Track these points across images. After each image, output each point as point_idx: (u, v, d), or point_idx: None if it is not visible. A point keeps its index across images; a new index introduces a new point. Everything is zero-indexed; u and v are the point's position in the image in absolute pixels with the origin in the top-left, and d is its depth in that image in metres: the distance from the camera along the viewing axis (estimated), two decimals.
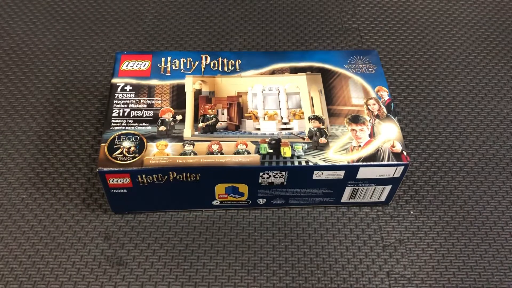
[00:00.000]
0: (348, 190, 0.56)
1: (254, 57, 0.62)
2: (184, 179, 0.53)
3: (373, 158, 0.53)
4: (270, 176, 0.53)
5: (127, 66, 0.60)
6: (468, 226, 0.59)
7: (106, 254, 0.56)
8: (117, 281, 0.54)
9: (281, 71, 0.61)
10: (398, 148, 0.54)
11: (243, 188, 0.55)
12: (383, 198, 0.59)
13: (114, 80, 0.59)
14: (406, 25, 0.81)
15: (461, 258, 0.57)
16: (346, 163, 0.53)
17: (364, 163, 0.53)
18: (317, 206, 0.60)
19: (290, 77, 0.60)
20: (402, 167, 0.53)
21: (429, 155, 0.65)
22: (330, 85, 0.59)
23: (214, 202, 0.58)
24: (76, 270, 0.54)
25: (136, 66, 0.60)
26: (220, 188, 0.55)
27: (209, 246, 0.57)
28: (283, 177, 0.54)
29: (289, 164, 0.52)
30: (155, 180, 0.53)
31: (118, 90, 0.58)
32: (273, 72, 0.60)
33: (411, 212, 0.60)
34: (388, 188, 0.57)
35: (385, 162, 0.53)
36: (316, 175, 0.54)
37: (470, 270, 0.56)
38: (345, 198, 0.58)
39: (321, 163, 0.52)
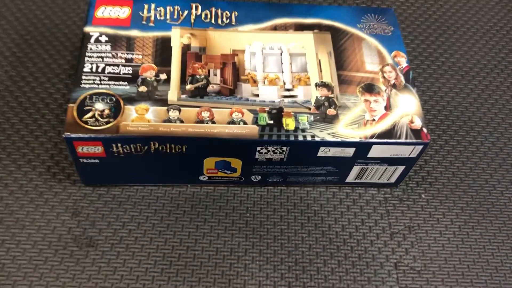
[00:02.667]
0: (355, 169, 0.49)
1: (253, 9, 0.53)
2: (168, 151, 0.45)
3: (389, 134, 0.46)
4: (268, 151, 0.46)
5: (103, 12, 0.51)
6: (485, 214, 0.53)
7: (74, 233, 0.48)
8: (86, 265, 0.46)
9: (285, 28, 0.52)
10: (418, 124, 0.47)
11: (236, 163, 0.48)
12: (393, 180, 0.52)
13: (87, 29, 0.49)
14: None
15: (476, 250, 0.51)
16: (357, 140, 0.45)
17: (379, 140, 0.45)
18: (317, 185, 0.52)
19: (294, 35, 0.51)
20: (421, 147, 0.46)
21: (443, 132, 0.58)
22: (340, 47, 0.51)
23: (201, 177, 0.50)
24: (38, 251, 0.46)
25: (114, 13, 0.51)
26: (209, 162, 0.47)
27: (194, 228, 0.49)
28: (284, 152, 0.46)
29: (292, 138, 0.45)
30: (133, 150, 0.44)
31: (92, 40, 0.49)
32: (275, 28, 0.52)
33: (423, 196, 0.53)
34: (400, 168, 0.50)
35: (402, 140, 0.46)
36: (322, 151, 0.46)
37: (486, 263, 0.50)
38: (350, 178, 0.51)
39: (329, 138, 0.45)
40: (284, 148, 0.45)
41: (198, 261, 0.47)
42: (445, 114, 0.60)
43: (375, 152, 0.47)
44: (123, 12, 0.51)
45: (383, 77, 0.49)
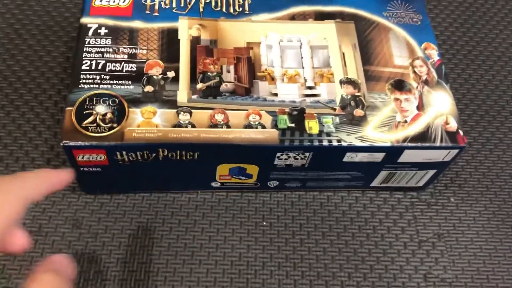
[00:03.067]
0: (382, 174, 0.45)
1: None
2: (178, 158, 0.40)
3: (423, 137, 0.41)
4: (289, 157, 0.41)
5: (101, 1, 0.45)
6: None
7: (75, 248, 0.44)
8: (91, 283, 0.42)
9: (303, 17, 0.47)
10: (453, 125, 0.42)
11: (252, 169, 0.43)
12: (421, 184, 0.47)
13: (84, 20, 0.44)
14: None
15: (510, 258, 0.47)
16: (389, 144, 0.41)
17: (412, 145, 0.41)
18: (339, 190, 0.48)
19: (315, 24, 0.46)
20: (457, 151, 0.42)
21: (471, 128, 0.54)
22: (366, 38, 0.46)
23: (213, 184, 0.45)
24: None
25: (114, 2, 0.45)
26: (223, 169, 0.43)
27: (207, 239, 0.45)
28: (306, 158, 0.42)
29: (315, 143, 0.40)
30: (139, 158, 0.40)
31: (90, 33, 0.43)
32: (292, 18, 0.47)
33: (452, 200, 0.49)
34: (431, 172, 0.45)
35: (437, 144, 0.41)
36: (348, 157, 0.42)
37: None
38: (376, 182, 0.47)
39: (357, 143, 0.40)
40: (307, 154, 0.41)
41: (211, 276, 0.43)
42: (473, 108, 0.55)
43: (407, 157, 0.42)
44: (124, 0, 0.46)
45: (414, 72, 0.45)
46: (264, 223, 0.46)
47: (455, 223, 0.48)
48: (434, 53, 0.46)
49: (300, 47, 0.45)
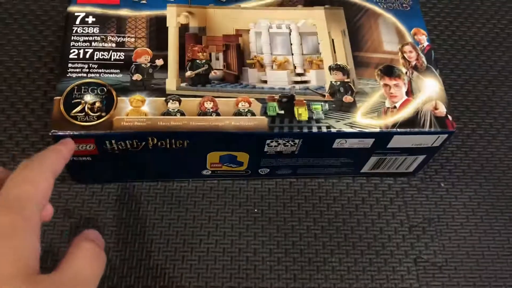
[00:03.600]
0: (372, 160, 0.45)
1: None
2: (167, 146, 0.40)
3: (412, 123, 0.41)
4: (279, 144, 0.41)
5: None
6: (508, 203, 0.49)
7: (67, 237, 0.44)
8: None
9: (292, 3, 0.47)
10: (442, 110, 0.42)
11: (242, 157, 0.43)
12: (411, 169, 0.48)
13: (71, 8, 0.44)
14: None
15: (499, 242, 0.47)
16: (378, 130, 0.41)
17: (401, 130, 0.41)
18: (330, 176, 0.48)
19: (304, 11, 0.46)
20: (446, 136, 0.42)
21: (461, 114, 0.54)
22: (355, 25, 0.46)
23: (204, 172, 0.45)
24: None
25: None
26: (213, 157, 0.43)
27: (199, 226, 0.45)
28: (296, 145, 0.42)
29: (305, 130, 0.40)
30: (128, 147, 0.40)
31: (77, 22, 0.43)
32: (281, 4, 0.46)
33: (442, 185, 0.50)
34: (421, 158, 0.46)
35: (426, 129, 0.41)
36: (338, 143, 0.42)
37: (511, 256, 0.47)
38: (366, 168, 0.47)
39: (347, 129, 0.40)
40: (297, 141, 0.41)
41: (203, 263, 0.44)
42: (463, 94, 0.55)
43: (396, 142, 0.42)
44: None
45: (403, 57, 0.45)
46: (256, 210, 0.47)
47: (445, 208, 0.49)
48: (423, 39, 0.46)
49: (290, 34, 0.45)
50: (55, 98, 0.39)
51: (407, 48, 0.45)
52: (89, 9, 0.44)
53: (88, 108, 0.39)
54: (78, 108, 0.39)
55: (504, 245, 0.47)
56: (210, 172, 0.46)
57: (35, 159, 0.31)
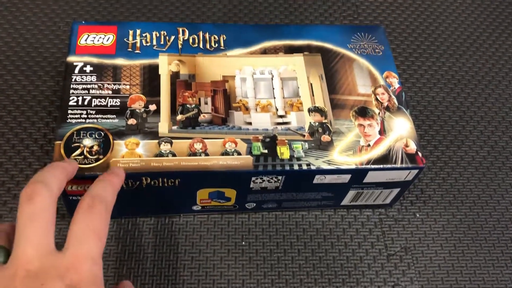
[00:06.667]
0: (351, 193, 0.49)
1: (241, 31, 0.52)
2: (160, 185, 0.44)
3: (385, 160, 0.45)
4: (263, 181, 0.45)
5: (86, 40, 0.49)
6: (479, 231, 0.53)
7: None
8: None
9: (274, 50, 0.51)
10: (413, 147, 0.46)
11: (230, 193, 0.47)
12: (388, 201, 0.51)
13: (70, 59, 0.48)
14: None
15: (472, 268, 0.51)
16: (353, 167, 0.44)
17: (374, 166, 0.45)
18: (313, 209, 0.52)
19: (285, 58, 0.50)
20: (416, 171, 0.46)
21: (434, 148, 0.58)
22: (332, 69, 0.50)
23: (194, 207, 0.49)
24: None
25: (98, 41, 0.49)
26: (202, 193, 0.46)
27: (189, 259, 0.48)
28: (279, 181, 0.45)
29: (287, 167, 0.44)
30: (124, 186, 0.43)
31: (76, 71, 0.47)
32: (264, 52, 0.51)
33: (417, 215, 0.53)
34: (396, 191, 0.49)
35: (398, 165, 0.45)
36: (318, 179, 0.45)
37: (482, 282, 0.50)
38: (346, 201, 0.50)
39: (325, 166, 0.44)
40: (280, 177, 0.45)
41: None
42: (436, 129, 0.59)
43: (371, 177, 0.46)
44: (108, 39, 0.49)
45: (376, 99, 0.49)
46: (243, 242, 0.50)
47: (420, 237, 0.52)
48: (395, 81, 0.50)
49: (272, 79, 0.49)
50: (55, 142, 0.43)
51: (380, 90, 0.49)
52: (86, 58, 0.48)
53: (86, 151, 0.42)
54: (78, 152, 0.42)
55: (476, 271, 0.51)
56: (200, 207, 0.49)
57: (44, 173, 0.35)
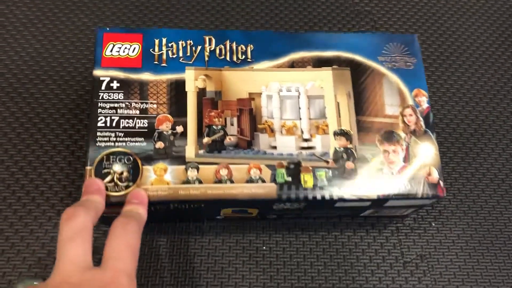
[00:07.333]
0: (369, 211, 0.50)
1: (269, 40, 0.50)
2: (187, 207, 0.46)
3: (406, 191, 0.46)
4: (286, 205, 0.46)
5: (111, 51, 0.48)
6: (494, 241, 0.55)
7: None
8: None
9: (302, 63, 0.50)
10: (435, 177, 0.47)
11: (253, 210, 0.48)
12: (405, 213, 0.53)
13: (96, 72, 0.47)
14: (423, 10, 0.67)
15: (486, 277, 0.53)
16: (375, 197, 0.45)
17: (396, 196, 0.46)
18: (331, 217, 0.54)
19: (313, 72, 0.49)
20: (435, 199, 0.47)
21: (450, 159, 0.58)
22: (360, 86, 0.49)
23: (218, 217, 0.51)
24: None
25: (123, 52, 0.48)
26: (227, 210, 0.48)
27: (213, 262, 0.52)
28: (300, 205, 0.47)
29: (309, 196, 0.45)
30: (152, 209, 0.45)
31: (103, 87, 0.47)
32: (292, 65, 0.49)
33: (433, 224, 0.55)
34: (412, 209, 0.51)
35: (419, 195, 0.46)
36: (339, 204, 0.47)
37: None
38: (364, 214, 0.52)
39: (347, 195, 0.45)
40: (302, 203, 0.46)
41: None
42: (451, 141, 0.59)
43: (391, 203, 0.47)
44: (133, 49, 0.48)
45: (403, 121, 0.48)
46: (264, 247, 0.53)
47: (436, 245, 0.54)
48: (424, 100, 0.49)
49: (298, 97, 0.48)
50: (86, 168, 0.44)
51: (407, 111, 0.49)
52: (113, 73, 0.47)
53: (117, 178, 0.44)
54: (108, 179, 0.44)
55: (491, 280, 0.53)
56: (223, 217, 0.51)
57: (85, 204, 0.40)
